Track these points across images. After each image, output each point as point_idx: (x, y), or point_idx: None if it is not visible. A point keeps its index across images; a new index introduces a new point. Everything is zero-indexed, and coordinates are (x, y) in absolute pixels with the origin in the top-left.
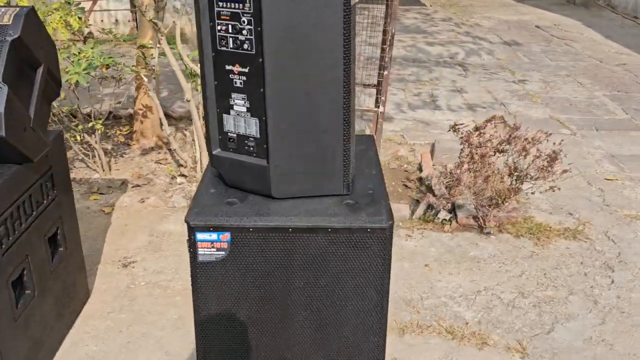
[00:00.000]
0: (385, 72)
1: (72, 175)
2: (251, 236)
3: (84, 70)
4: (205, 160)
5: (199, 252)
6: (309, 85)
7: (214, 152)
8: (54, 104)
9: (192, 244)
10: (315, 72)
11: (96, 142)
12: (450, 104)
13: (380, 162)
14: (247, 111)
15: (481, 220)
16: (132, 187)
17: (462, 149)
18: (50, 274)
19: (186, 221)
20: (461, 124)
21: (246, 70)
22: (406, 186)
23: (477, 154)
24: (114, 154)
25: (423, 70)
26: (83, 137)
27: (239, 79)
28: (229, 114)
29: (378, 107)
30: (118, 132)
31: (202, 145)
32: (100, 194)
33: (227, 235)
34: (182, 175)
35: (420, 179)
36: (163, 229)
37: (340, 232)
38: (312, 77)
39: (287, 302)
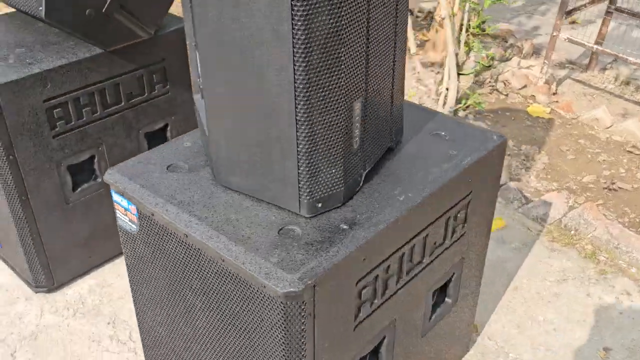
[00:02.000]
0: None
1: None
2: (153, 222)
3: None
4: (449, 94)
5: (117, 214)
6: (246, 31)
7: (194, 96)
8: None
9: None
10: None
11: None
12: None
13: (451, 183)
14: (196, 48)
15: None
16: None
17: None
18: None
19: (106, 173)
20: None
21: None
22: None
23: None
24: None
25: None
26: None
27: None
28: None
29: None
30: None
31: (452, 75)
32: None
33: (134, 209)
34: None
35: None
36: None
37: (231, 268)
38: (249, 22)
39: (191, 327)
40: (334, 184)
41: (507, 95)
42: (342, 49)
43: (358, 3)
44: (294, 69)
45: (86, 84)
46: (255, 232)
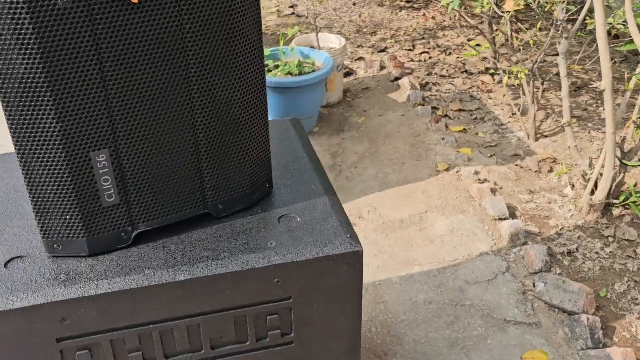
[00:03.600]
0: None
1: (502, 120)
2: None
3: None
4: (603, 184)
5: None
6: None
7: None
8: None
9: None
10: None
11: (531, 94)
12: None
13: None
14: None
15: None
16: (512, 168)
17: None
18: None
19: None
20: None
21: None
22: None
23: None
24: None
25: None
26: (514, 78)
27: None
28: None
29: None
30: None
31: (608, 160)
32: (491, 154)
33: None
34: (572, 184)
35: None
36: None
37: None
38: None
39: None
40: (72, 232)
41: None
42: (49, 96)
43: (66, 44)
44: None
45: None
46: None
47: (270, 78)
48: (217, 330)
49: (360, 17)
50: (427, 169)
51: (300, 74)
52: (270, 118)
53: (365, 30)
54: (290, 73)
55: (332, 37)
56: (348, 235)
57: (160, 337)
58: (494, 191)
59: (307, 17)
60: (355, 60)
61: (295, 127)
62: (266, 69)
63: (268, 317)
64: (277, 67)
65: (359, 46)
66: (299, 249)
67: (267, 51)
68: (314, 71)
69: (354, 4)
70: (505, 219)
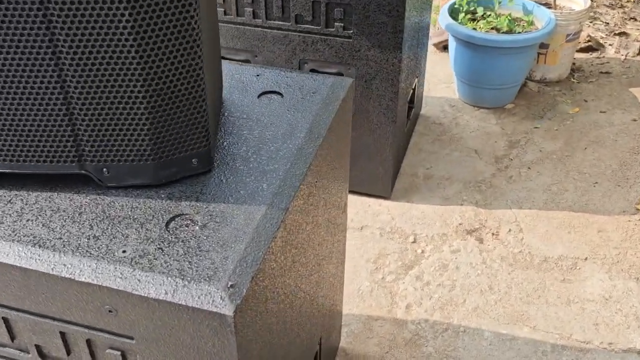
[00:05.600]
0: None
1: None
2: None
3: None
4: None
5: None
6: None
7: None
8: None
9: None
10: None
11: None
12: None
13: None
14: None
15: None
16: None
17: None
18: None
19: None
20: None
21: None
22: None
23: None
24: None
25: None
26: None
27: None
28: None
29: None
30: None
31: None
32: None
33: None
34: None
35: None
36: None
37: None
38: None
39: None
40: None
41: None
42: None
43: None
44: None
45: None
46: None
47: (462, 29)
48: (41, 337)
49: None
50: (623, 202)
51: (510, 32)
52: (455, 79)
53: None
54: (496, 28)
55: None
56: (229, 284)
57: None
58: None
59: None
60: (613, 34)
61: (334, 90)
62: (468, 17)
63: (108, 350)
64: (484, 17)
65: (630, 18)
66: (146, 277)
67: None
68: (527, 32)
69: None
70: None
